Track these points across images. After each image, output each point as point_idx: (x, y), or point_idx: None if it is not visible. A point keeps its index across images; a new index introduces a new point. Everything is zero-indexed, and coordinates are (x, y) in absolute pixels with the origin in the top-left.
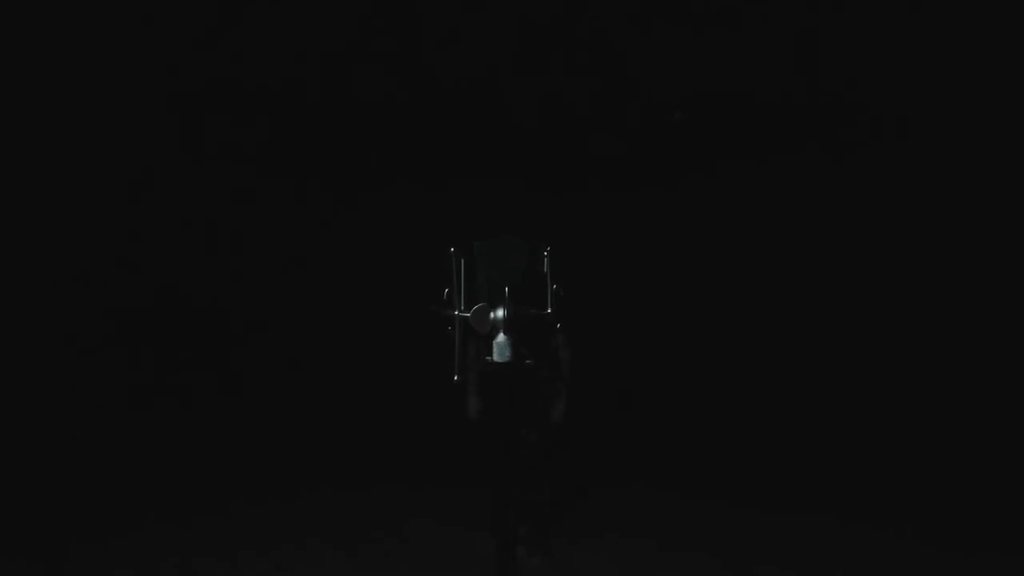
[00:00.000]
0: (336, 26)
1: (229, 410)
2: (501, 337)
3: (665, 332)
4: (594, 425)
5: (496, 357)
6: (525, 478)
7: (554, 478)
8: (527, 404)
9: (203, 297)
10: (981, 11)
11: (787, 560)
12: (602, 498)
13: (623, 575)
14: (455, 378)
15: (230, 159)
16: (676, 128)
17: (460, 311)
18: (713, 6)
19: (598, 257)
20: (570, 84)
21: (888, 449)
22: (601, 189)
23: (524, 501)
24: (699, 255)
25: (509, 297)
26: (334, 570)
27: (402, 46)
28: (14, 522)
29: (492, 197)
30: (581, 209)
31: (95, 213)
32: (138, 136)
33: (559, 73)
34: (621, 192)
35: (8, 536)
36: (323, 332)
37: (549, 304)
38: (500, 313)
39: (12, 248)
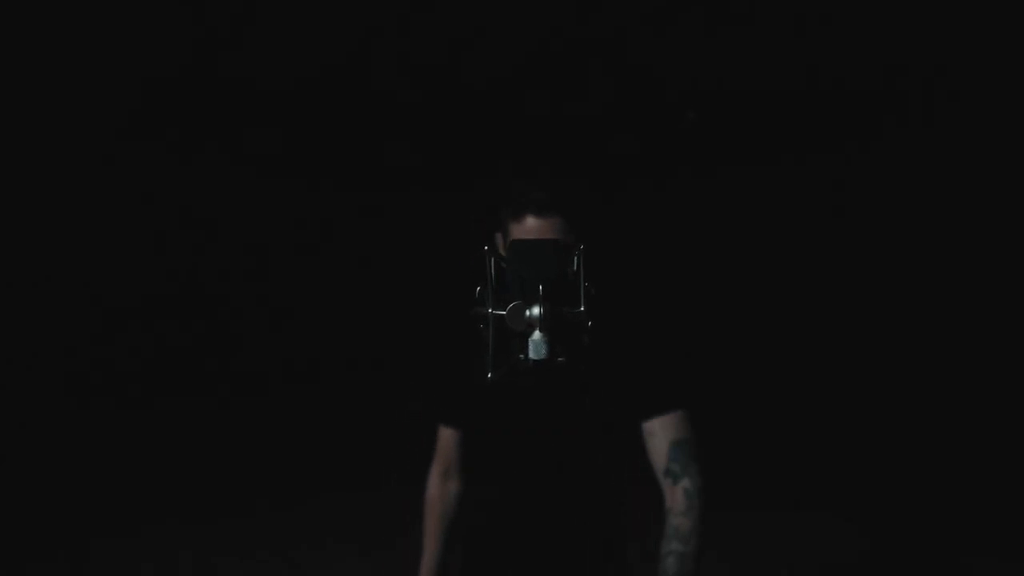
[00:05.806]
0: (355, 25)
1: (249, 410)
2: (537, 334)
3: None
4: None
5: (532, 355)
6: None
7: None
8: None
9: (225, 298)
10: (997, 14)
11: (790, 560)
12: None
13: None
14: (488, 375)
15: (247, 160)
16: (690, 127)
17: (494, 310)
18: (724, 5)
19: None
20: (587, 84)
21: (889, 449)
22: (616, 189)
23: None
24: (699, 256)
25: (544, 295)
26: (351, 570)
27: (420, 46)
28: (37, 518)
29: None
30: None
31: (111, 215)
32: (142, 138)
33: (576, 74)
34: (629, 193)
35: (31, 532)
36: (345, 333)
37: (581, 302)
38: (536, 311)
39: (52, 246)
